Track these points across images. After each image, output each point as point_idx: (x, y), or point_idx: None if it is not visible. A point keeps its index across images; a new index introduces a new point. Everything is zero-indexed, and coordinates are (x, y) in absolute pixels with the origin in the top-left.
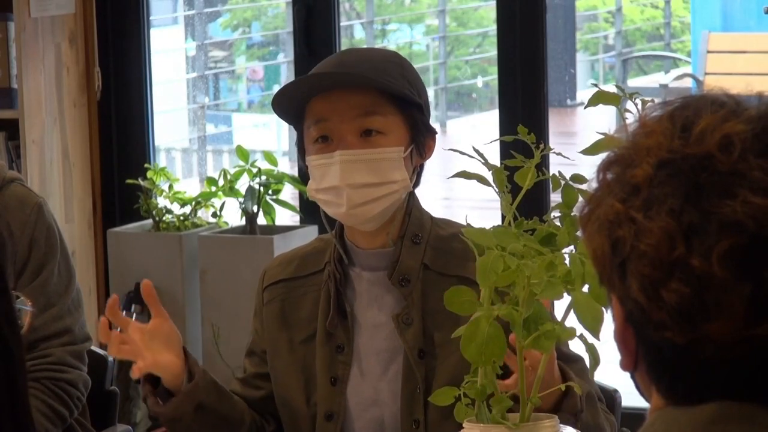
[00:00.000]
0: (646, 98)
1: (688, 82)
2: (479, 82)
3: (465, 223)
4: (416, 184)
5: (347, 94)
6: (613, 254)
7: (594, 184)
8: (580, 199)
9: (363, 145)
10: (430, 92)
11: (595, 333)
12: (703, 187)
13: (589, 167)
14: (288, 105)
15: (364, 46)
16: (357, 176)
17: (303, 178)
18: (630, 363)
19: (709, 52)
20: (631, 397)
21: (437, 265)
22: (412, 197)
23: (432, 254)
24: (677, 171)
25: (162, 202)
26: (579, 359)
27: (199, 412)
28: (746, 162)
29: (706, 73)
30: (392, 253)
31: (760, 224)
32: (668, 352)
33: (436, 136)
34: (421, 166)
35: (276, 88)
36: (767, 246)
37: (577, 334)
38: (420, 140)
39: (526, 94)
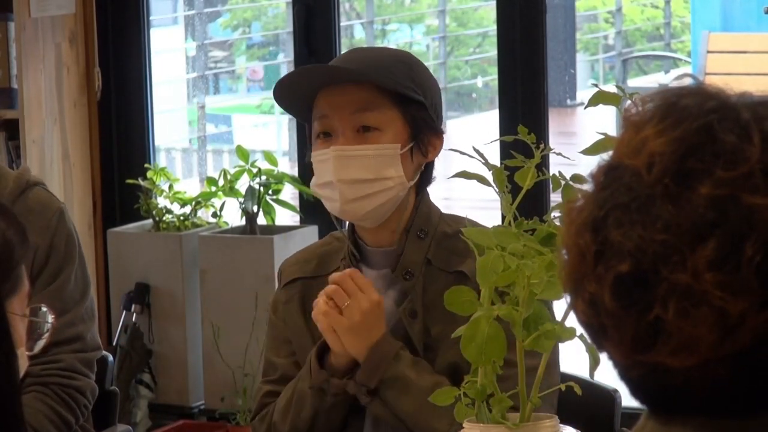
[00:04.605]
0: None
1: (688, 83)
2: (479, 82)
3: (468, 222)
4: (425, 181)
5: (345, 90)
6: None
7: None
8: None
9: (359, 141)
10: None
11: None
12: (625, 206)
13: (589, 167)
14: (293, 99)
15: (376, 46)
16: (350, 172)
17: (303, 178)
18: None
19: (709, 52)
20: (631, 398)
21: (439, 261)
22: (422, 193)
23: (435, 250)
24: (615, 180)
25: (162, 202)
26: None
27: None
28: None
29: (706, 73)
30: (396, 248)
31: (642, 258)
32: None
33: (443, 135)
34: (430, 165)
35: None
36: (647, 279)
37: (577, 334)
38: (421, 138)
39: (526, 94)
